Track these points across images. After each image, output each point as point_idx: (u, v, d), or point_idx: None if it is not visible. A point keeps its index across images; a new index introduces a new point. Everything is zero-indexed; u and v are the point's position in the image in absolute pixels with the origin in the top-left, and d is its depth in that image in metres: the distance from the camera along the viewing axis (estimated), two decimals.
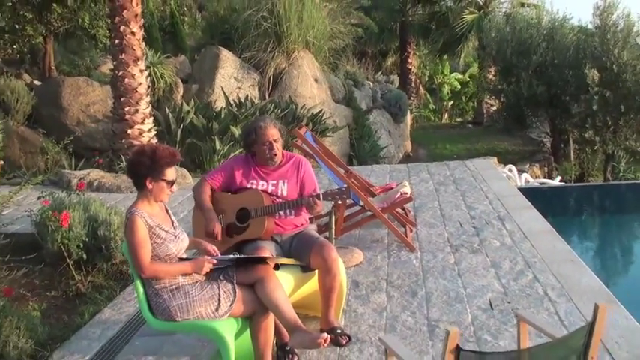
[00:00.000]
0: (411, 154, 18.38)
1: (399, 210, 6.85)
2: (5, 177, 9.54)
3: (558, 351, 2.28)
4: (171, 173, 3.62)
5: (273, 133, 4.42)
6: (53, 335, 4.71)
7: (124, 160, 9.62)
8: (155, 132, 10.36)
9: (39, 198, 6.23)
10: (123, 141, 9.98)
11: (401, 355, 2.37)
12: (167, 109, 11.26)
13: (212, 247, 3.88)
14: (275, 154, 4.42)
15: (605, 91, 14.56)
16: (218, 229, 4.32)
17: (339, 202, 4.54)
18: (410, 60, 26.37)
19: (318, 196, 4.33)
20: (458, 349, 2.10)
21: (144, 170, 3.59)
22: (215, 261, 3.70)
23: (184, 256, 3.72)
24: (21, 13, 12.53)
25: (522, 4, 22.88)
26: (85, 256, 5.72)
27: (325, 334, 3.63)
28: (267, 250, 4.15)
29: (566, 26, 16.70)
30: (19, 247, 6.09)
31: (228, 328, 3.57)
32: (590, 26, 16.49)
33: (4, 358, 4.22)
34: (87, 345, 4.55)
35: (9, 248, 5.96)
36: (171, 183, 3.63)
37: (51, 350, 4.48)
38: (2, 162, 10.01)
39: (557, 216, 10.60)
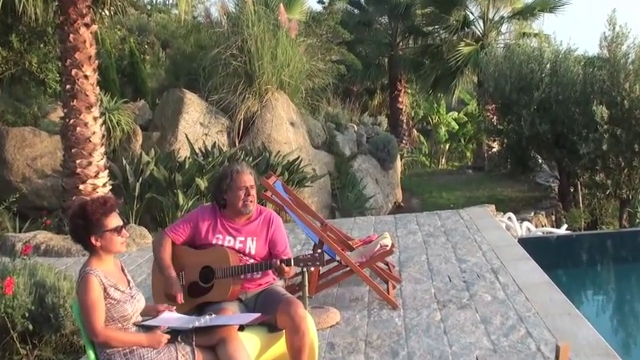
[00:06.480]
0: (402, 203, 18.55)
1: (381, 265, 7.07)
2: None
3: None
4: (112, 221, 3.80)
5: (250, 178, 4.67)
6: None
7: None
8: (110, 186, 10.46)
9: None
10: (74, 198, 9.97)
11: None
12: (124, 161, 11.38)
13: (168, 307, 4.09)
14: (251, 201, 4.64)
15: (616, 129, 14.71)
16: (179, 293, 4.48)
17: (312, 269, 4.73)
18: (400, 99, 26.65)
19: (288, 262, 4.53)
20: None
21: (82, 231, 3.78)
22: (169, 337, 3.84)
23: (140, 319, 3.92)
24: None
25: (524, 34, 23.34)
26: (31, 327, 5.75)
27: None
28: (231, 310, 4.35)
29: (571, 58, 16.84)
30: None
31: None
32: (597, 58, 16.77)
33: None
34: None
35: None
36: (117, 230, 3.80)
37: None
38: None
39: (566, 268, 10.86)
